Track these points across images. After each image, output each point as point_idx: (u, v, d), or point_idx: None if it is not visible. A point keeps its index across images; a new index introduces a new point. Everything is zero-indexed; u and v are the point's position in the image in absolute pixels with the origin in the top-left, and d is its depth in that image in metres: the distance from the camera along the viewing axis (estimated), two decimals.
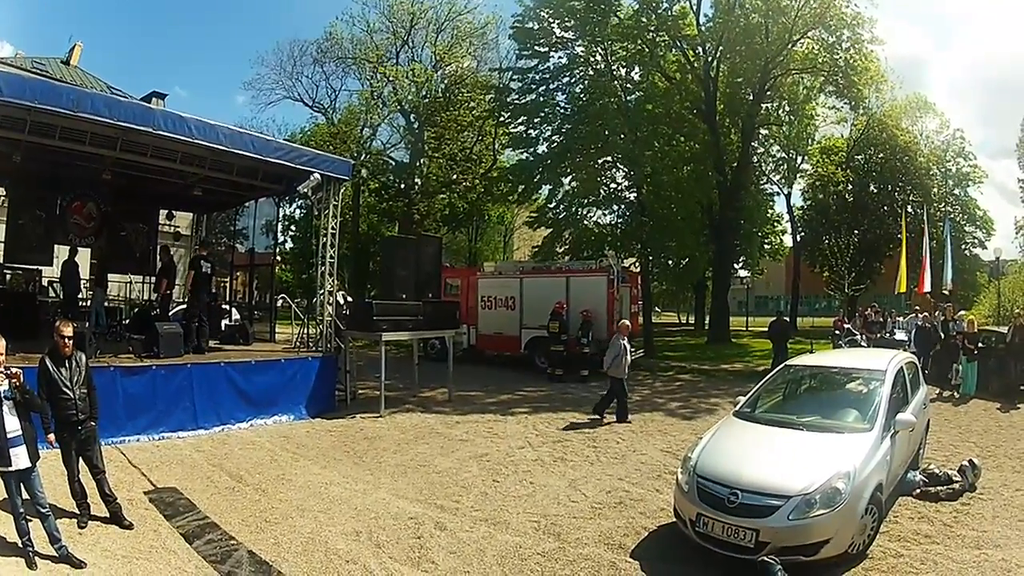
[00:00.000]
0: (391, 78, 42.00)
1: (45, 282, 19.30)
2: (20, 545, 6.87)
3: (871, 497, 7.38)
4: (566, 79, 36.26)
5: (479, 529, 8.43)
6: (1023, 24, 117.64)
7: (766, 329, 26.35)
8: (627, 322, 17.54)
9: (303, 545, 7.78)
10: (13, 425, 6.76)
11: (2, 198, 19.25)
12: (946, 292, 28.42)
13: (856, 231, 45.55)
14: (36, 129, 12.91)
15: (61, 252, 18.96)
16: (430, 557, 7.54)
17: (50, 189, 18.27)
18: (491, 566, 7.35)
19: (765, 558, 6.68)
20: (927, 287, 28.16)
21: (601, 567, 7.32)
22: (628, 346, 16.09)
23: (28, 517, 6.91)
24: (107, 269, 20.42)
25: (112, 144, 14.04)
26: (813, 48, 33.77)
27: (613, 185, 37.56)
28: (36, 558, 6.82)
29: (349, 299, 21.99)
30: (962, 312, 24.70)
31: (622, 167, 36.26)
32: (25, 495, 6.93)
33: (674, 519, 8.11)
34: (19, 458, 6.77)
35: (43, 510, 6.98)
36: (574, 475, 11.05)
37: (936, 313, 23.85)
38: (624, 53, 34.59)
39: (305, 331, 18.52)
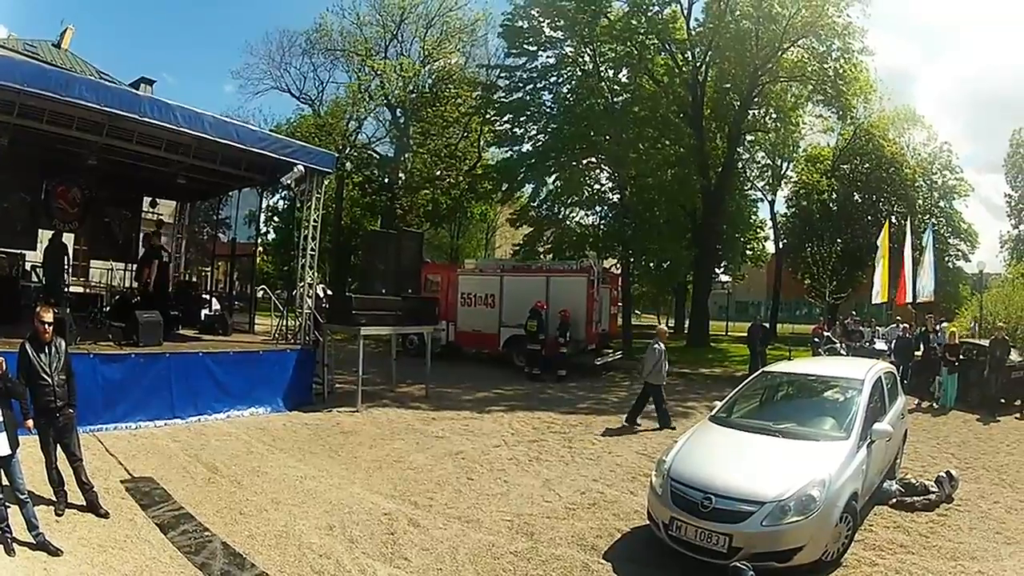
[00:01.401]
0: (379, 72, 41.80)
1: (28, 267, 19.15)
2: None
3: (846, 505, 7.40)
4: (553, 79, 36.29)
5: (452, 526, 8.45)
6: (1013, 40, 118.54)
7: (745, 334, 26.52)
8: (664, 328, 17.62)
9: (277, 538, 7.82)
10: None
11: None
12: (925, 301, 28.43)
13: (839, 240, 45.84)
14: (24, 112, 12.93)
15: (45, 237, 18.85)
16: (403, 553, 7.56)
17: (36, 173, 18.08)
18: (463, 564, 7.36)
19: (737, 563, 6.71)
20: (908, 297, 28.20)
21: (574, 568, 7.33)
22: (665, 351, 16.00)
23: (7, 503, 6.94)
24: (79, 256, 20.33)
25: (98, 129, 14.10)
26: (803, 56, 33.81)
27: (597, 186, 37.67)
28: (15, 544, 6.86)
29: (329, 292, 21.99)
30: (944, 324, 24.87)
31: (606, 168, 36.39)
32: (4, 481, 6.96)
33: (648, 522, 8.11)
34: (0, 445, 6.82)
35: (22, 496, 7.04)
36: (549, 475, 11.06)
37: (920, 325, 24.07)
38: (613, 55, 34.63)
39: (284, 323, 18.53)
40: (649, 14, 33.28)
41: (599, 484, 10.63)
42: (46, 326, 7.87)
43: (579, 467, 11.72)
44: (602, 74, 35.58)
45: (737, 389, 10.47)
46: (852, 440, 8.15)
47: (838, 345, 24.40)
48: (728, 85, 36.10)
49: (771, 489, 7.13)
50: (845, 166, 48.73)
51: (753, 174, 50.54)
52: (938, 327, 22.16)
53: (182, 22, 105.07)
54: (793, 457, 7.85)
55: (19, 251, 18.67)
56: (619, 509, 9.34)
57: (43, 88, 11.72)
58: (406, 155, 44.76)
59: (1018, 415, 17.83)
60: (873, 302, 30.06)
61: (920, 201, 49.09)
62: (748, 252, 51.19)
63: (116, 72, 44.87)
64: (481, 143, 45.05)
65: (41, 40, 41.31)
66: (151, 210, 21.93)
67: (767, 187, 52.49)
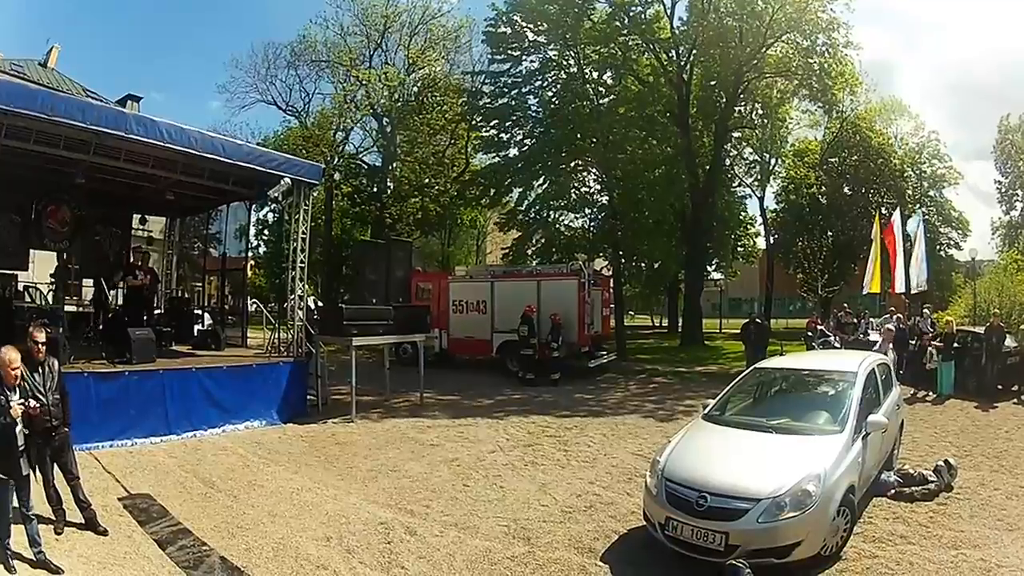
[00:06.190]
0: (364, 81, 41.74)
1: (20, 287, 19.12)
2: None
3: (843, 499, 7.38)
4: (538, 83, 36.33)
5: (449, 534, 8.42)
6: (994, 27, 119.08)
7: (739, 331, 26.56)
8: None
9: (274, 551, 7.80)
10: (20, 440, 7.01)
11: None
12: (919, 291, 28.36)
13: (830, 232, 45.94)
14: (12, 133, 12.76)
15: (36, 257, 18.84)
16: (400, 562, 7.55)
17: (25, 193, 18.05)
18: (461, 571, 7.35)
19: (733, 561, 6.64)
20: (900, 287, 28.12)
21: (571, 571, 7.31)
22: None
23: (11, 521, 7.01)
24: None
25: (86, 148, 13.93)
26: (788, 52, 33.83)
27: (584, 188, 37.73)
28: (15, 562, 6.89)
29: (320, 304, 21.98)
30: (926, 310, 25.11)
31: (594, 170, 36.43)
32: (14, 501, 7.04)
33: (644, 522, 8.09)
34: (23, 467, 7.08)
35: (28, 514, 7.11)
36: (544, 479, 11.02)
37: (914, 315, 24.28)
38: (597, 57, 34.66)
39: (277, 336, 18.53)
40: (632, 14, 33.31)
41: (595, 486, 10.59)
42: (39, 345, 7.87)
43: (575, 470, 11.67)
44: (587, 76, 35.62)
45: (730, 386, 10.43)
46: (847, 433, 8.12)
47: (832, 338, 24.41)
48: (713, 83, 36.24)
49: (766, 485, 7.10)
50: (833, 159, 48.62)
51: (741, 171, 50.65)
52: (923, 311, 22.36)
53: (168, 39, 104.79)
54: (787, 453, 7.82)
55: (11, 272, 18.66)
56: (616, 511, 9.30)
57: (30, 108, 11.71)
58: (394, 164, 44.78)
59: (1015, 401, 17.95)
60: (863, 292, 30.02)
61: (910, 191, 48.96)
62: (739, 249, 51.40)
63: (103, 89, 44.83)
64: (468, 149, 44.96)
65: (28, 59, 41.21)
66: (141, 227, 21.89)
67: (756, 183, 52.53)
